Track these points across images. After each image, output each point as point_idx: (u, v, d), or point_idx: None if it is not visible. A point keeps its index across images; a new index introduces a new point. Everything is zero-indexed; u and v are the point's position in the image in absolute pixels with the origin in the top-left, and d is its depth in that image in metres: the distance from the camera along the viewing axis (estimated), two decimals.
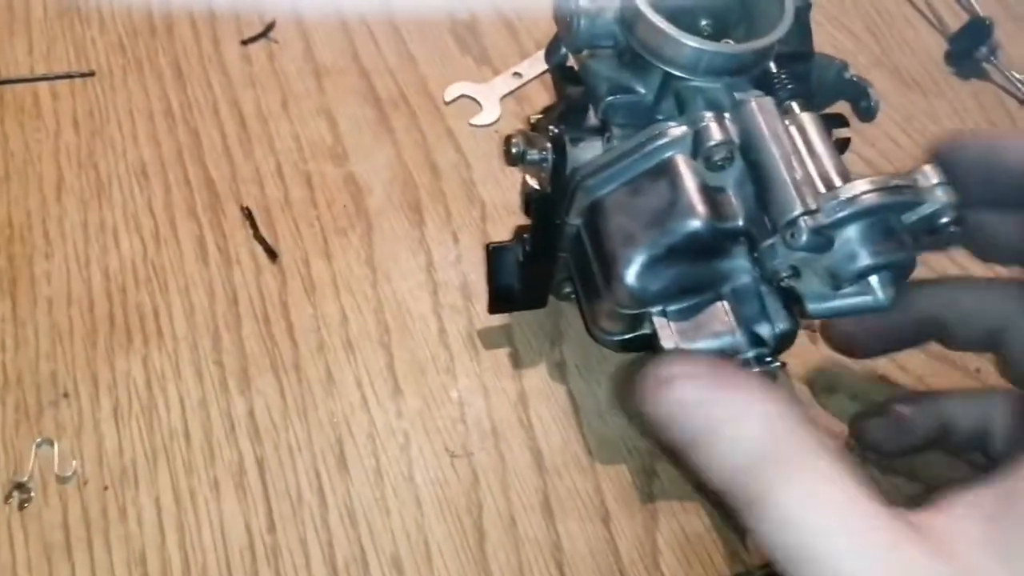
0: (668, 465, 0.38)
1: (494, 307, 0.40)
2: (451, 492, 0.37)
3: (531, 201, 0.36)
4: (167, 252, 0.43)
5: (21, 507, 0.36)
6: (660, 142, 0.32)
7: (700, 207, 0.31)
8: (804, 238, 0.28)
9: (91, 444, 0.38)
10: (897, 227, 0.28)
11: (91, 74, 0.50)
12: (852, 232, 0.28)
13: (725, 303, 0.32)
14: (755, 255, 0.31)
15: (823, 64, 0.34)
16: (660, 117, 0.33)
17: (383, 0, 0.54)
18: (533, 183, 0.35)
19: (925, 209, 0.28)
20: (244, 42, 0.52)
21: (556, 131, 0.33)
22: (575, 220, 0.34)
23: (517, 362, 0.41)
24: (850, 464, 0.23)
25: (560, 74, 0.35)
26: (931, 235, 0.29)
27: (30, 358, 0.40)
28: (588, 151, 0.34)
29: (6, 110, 0.48)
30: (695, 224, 0.30)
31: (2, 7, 0.53)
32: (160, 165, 0.47)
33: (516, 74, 0.51)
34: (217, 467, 0.37)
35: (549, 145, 0.33)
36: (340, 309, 0.42)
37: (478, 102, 0.50)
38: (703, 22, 0.34)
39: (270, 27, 0.53)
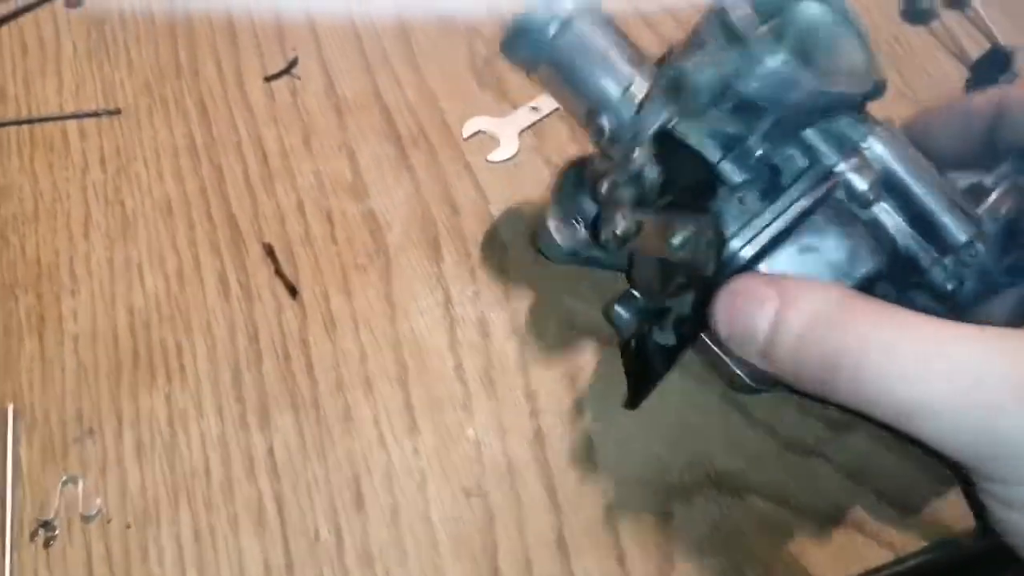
0: (685, 506, 0.38)
1: (637, 402, 0.39)
2: (467, 532, 0.37)
3: (694, 287, 0.34)
4: (190, 289, 0.44)
5: (46, 545, 0.37)
6: (813, 199, 0.32)
7: (879, 245, 0.32)
8: (982, 253, 0.30)
9: (115, 481, 0.38)
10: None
11: (117, 112, 0.51)
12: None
13: None
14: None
15: None
16: (759, 153, 0.33)
17: (403, 33, 0.55)
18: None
19: None
20: (267, 79, 0.53)
21: (708, 212, 0.32)
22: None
23: (534, 400, 0.41)
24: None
25: (670, 143, 0.33)
26: None
27: (57, 395, 0.41)
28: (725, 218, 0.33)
29: (36, 148, 0.49)
30: (879, 263, 0.32)
31: (34, 47, 0.54)
32: (184, 202, 0.47)
33: (534, 108, 0.51)
34: (237, 504, 0.38)
35: (710, 231, 0.32)
36: (359, 346, 0.43)
37: (496, 137, 0.50)
38: None
39: (293, 63, 0.54)
